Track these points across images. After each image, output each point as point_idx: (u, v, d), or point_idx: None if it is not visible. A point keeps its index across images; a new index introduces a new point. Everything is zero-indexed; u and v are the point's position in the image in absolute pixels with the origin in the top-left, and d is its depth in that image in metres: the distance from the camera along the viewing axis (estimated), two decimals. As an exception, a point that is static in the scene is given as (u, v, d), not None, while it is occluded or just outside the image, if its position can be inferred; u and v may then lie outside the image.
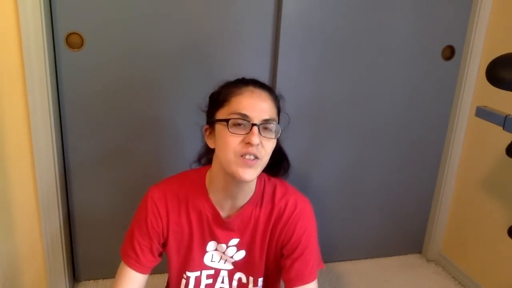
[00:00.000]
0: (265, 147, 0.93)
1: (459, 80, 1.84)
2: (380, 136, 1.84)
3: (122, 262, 1.05)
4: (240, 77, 1.02)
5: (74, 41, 1.45)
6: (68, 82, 1.49)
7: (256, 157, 0.91)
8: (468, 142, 1.87)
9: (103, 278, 1.77)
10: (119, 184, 1.65)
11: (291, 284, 1.01)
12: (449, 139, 1.90)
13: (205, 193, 1.03)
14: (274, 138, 0.94)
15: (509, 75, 1.01)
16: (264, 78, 1.62)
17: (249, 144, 0.90)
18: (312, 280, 1.02)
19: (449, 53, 1.80)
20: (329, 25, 1.63)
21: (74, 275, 1.76)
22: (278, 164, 1.10)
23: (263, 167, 0.96)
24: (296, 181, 1.14)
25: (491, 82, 1.04)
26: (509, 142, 1.10)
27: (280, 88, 1.63)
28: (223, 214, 1.03)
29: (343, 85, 1.72)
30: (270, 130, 0.94)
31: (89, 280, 1.77)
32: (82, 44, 1.46)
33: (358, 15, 1.64)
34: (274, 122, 0.94)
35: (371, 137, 1.83)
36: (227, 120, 0.92)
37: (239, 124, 0.92)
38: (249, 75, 1.02)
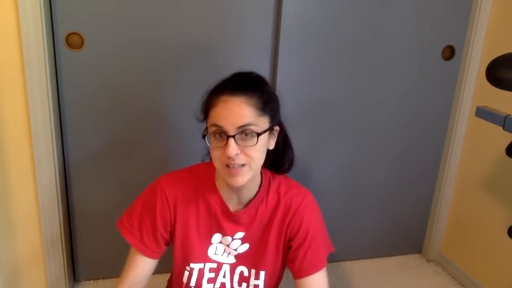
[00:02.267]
0: (249, 153, 0.93)
1: (459, 80, 1.84)
2: (380, 136, 1.84)
3: (132, 248, 1.08)
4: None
5: (74, 41, 1.45)
6: (68, 82, 1.49)
7: (241, 165, 0.93)
8: (468, 142, 1.87)
9: (103, 278, 1.77)
10: (119, 184, 1.65)
11: (306, 273, 1.05)
12: (449, 139, 1.90)
13: (214, 187, 1.06)
14: (255, 144, 0.93)
15: (509, 75, 1.01)
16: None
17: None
18: (324, 266, 1.07)
19: (449, 53, 1.80)
20: (329, 25, 1.63)
21: (74, 275, 1.76)
22: (282, 160, 1.11)
23: (255, 169, 0.97)
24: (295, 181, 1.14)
25: (491, 82, 1.04)
26: (509, 142, 1.10)
27: (280, 87, 1.63)
28: (231, 207, 1.06)
29: (343, 84, 1.72)
30: (251, 136, 0.92)
31: (89, 280, 1.77)
32: (82, 44, 1.46)
33: (358, 15, 1.64)
34: (254, 126, 0.92)
35: (371, 137, 1.84)
36: (204, 136, 0.95)
37: (220, 135, 0.93)
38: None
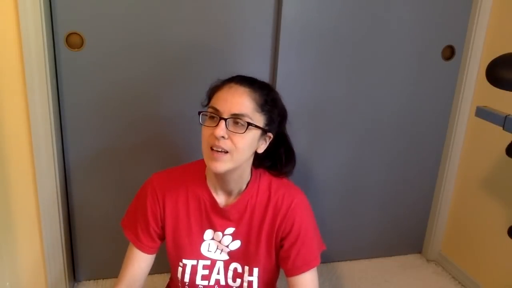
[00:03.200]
0: (234, 142, 0.94)
1: (459, 80, 1.84)
2: (380, 136, 1.84)
3: (130, 244, 1.11)
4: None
5: (74, 41, 1.45)
6: (68, 82, 1.49)
7: (224, 151, 0.94)
8: (468, 142, 1.88)
9: (103, 278, 1.77)
10: (119, 185, 1.65)
11: (299, 270, 1.06)
12: (449, 139, 1.90)
13: (204, 182, 1.08)
14: (243, 133, 0.95)
15: (509, 75, 1.01)
16: (264, 78, 1.61)
17: (215, 136, 0.93)
18: (318, 264, 1.08)
19: (449, 53, 1.80)
20: (329, 25, 1.63)
21: (74, 275, 1.76)
22: (282, 168, 1.12)
23: (237, 161, 0.97)
24: (295, 181, 1.14)
25: (491, 82, 1.04)
26: (509, 142, 1.10)
27: (280, 87, 1.63)
28: (219, 201, 1.07)
29: (343, 84, 1.72)
30: (241, 125, 0.95)
31: (89, 280, 1.77)
32: (82, 44, 1.46)
33: (358, 15, 1.64)
34: (246, 118, 0.94)
35: (371, 137, 1.84)
36: (199, 113, 0.98)
37: (213, 117, 0.96)
38: (249, 74, 1.03)
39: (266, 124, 1.00)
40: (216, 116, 0.95)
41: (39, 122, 1.42)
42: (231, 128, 0.94)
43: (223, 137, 0.93)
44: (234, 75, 1.03)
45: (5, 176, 1.45)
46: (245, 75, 1.03)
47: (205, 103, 1.02)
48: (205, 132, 0.96)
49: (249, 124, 0.94)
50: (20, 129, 1.42)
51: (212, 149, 0.95)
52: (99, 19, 1.44)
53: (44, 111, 1.41)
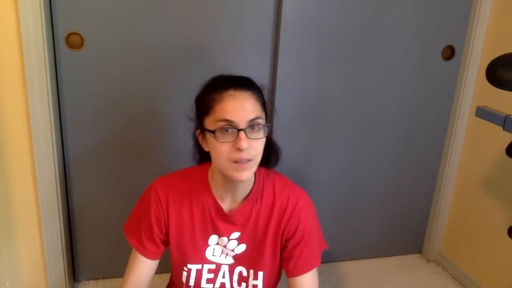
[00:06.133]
0: (255, 147, 0.95)
1: (459, 80, 1.84)
2: (380, 136, 1.84)
3: (133, 249, 1.11)
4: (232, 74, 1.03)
5: (74, 41, 1.45)
6: (68, 82, 1.49)
7: (248, 159, 0.94)
8: (468, 142, 1.88)
9: (103, 278, 1.76)
10: (119, 184, 1.65)
11: (300, 271, 1.07)
12: (449, 139, 1.90)
13: (208, 188, 1.07)
14: (263, 137, 0.95)
15: (509, 75, 1.01)
16: (264, 78, 1.62)
17: (239, 149, 0.92)
18: (318, 264, 1.08)
19: (449, 53, 1.80)
20: (329, 25, 1.63)
21: (74, 275, 1.76)
22: (269, 154, 1.12)
23: (257, 164, 0.98)
24: (295, 181, 1.14)
25: (491, 82, 1.04)
26: (509, 142, 1.10)
27: (280, 87, 1.63)
28: (225, 207, 1.06)
29: (343, 85, 1.72)
30: (258, 129, 0.95)
31: (89, 280, 1.77)
32: (82, 44, 1.46)
33: (358, 15, 1.64)
34: (261, 119, 0.95)
35: (371, 137, 1.84)
36: (213, 131, 0.94)
37: (227, 130, 0.93)
38: (249, 75, 1.03)
39: (266, 119, 1.01)
40: (233, 129, 0.93)
41: (39, 121, 1.42)
42: (249, 135, 0.93)
43: (246, 147, 0.92)
44: (217, 78, 1.02)
45: (5, 175, 1.45)
46: (223, 74, 1.02)
47: (195, 116, 1.01)
48: (223, 148, 0.93)
49: (267, 127, 0.95)
50: (20, 129, 1.42)
51: (236, 162, 0.93)
52: (99, 19, 1.44)
53: (44, 111, 1.41)
